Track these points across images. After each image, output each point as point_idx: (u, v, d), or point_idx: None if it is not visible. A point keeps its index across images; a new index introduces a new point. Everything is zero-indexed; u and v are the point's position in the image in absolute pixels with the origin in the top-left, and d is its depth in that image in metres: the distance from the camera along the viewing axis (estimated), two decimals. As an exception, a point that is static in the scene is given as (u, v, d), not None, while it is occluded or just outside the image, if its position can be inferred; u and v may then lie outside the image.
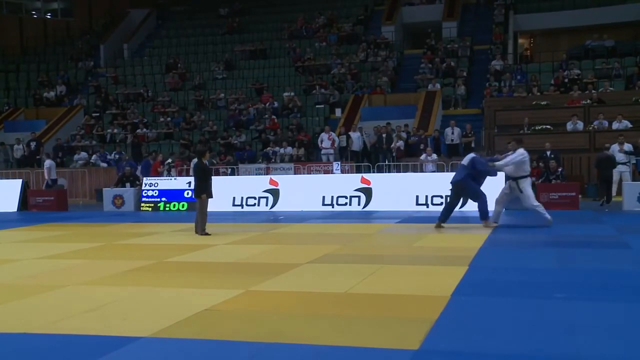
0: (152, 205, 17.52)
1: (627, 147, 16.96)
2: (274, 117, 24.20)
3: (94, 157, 23.14)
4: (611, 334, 4.54)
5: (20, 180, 19.15)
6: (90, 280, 7.02)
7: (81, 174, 21.38)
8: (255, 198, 16.76)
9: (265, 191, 16.77)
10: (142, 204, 17.64)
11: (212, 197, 11.39)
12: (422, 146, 19.85)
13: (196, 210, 11.35)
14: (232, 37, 31.42)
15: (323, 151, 20.93)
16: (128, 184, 18.38)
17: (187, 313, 5.31)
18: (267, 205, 16.65)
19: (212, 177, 11.73)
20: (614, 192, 16.75)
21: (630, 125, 19.05)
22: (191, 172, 19.34)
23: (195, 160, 19.63)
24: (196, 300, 5.79)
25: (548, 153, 17.55)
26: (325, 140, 20.95)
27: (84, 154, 23.47)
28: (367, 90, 25.12)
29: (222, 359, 4.22)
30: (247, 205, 16.78)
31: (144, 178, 18.41)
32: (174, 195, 17.47)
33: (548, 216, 11.30)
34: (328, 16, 30.74)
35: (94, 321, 5.20)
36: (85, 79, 30.55)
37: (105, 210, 17.64)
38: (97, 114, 26.98)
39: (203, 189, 11.20)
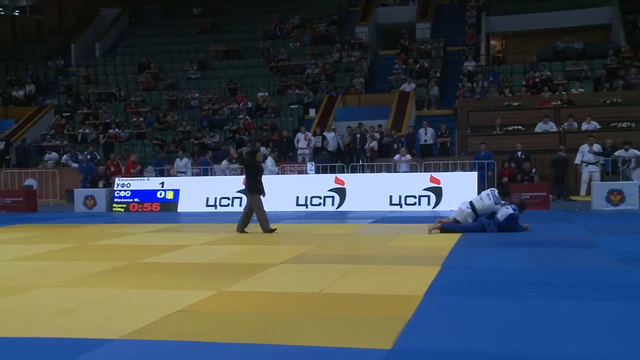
0: (125, 205, 17.36)
1: (597, 147, 17.29)
2: (247, 117, 24.13)
3: (64, 157, 22.85)
4: (580, 332, 4.63)
5: (-11, 180, 18.83)
6: (62, 282, 6.93)
7: (51, 174, 21.07)
8: (228, 198, 16.69)
9: (239, 191, 16.71)
10: (115, 205, 17.46)
11: (264, 194, 11.47)
12: (395, 146, 19.96)
13: (252, 208, 11.32)
14: (205, 37, 31.27)
15: (299, 151, 20.95)
16: (100, 184, 18.20)
17: (161, 314, 5.27)
18: (240, 205, 16.56)
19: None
20: (583, 192, 17.20)
21: (598, 127, 19.41)
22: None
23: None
24: (170, 301, 5.75)
25: (519, 153, 17.80)
26: (302, 141, 20.96)
27: (54, 154, 23.15)
28: (341, 91, 25.18)
29: (195, 361, 4.21)
30: (220, 205, 16.71)
31: (117, 178, 18.24)
32: (147, 195, 17.32)
33: None
34: (302, 16, 30.75)
35: (66, 324, 5.13)
36: (56, 78, 30.12)
37: (76, 211, 17.43)
38: (68, 114, 26.63)
39: (256, 186, 11.30)
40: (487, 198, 10.72)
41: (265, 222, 11.17)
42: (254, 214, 11.33)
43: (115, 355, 4.36)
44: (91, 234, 11.87)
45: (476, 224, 10.66)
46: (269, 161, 18.71)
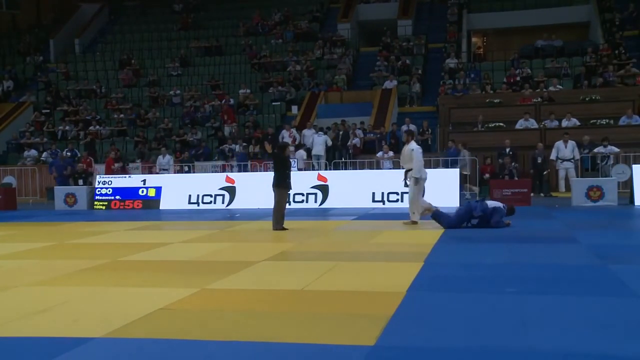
0: (106, 203, 17.21)
1: (571, 143, 17.49)
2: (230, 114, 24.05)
3: (44, 154, 22.59)
4: (562, 326, 4.67)
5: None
6: (42, 280, 6.85)
7: (31, 171, 20.83)
8: (211, 196, 16.64)
9: (221, 189, 16.67)
10: (96, 202, 17.31)
11: (290, 189, 11.53)
12: (384, 142, 19.93)
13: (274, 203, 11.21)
14: (187, 33, 31.07)
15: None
16: (80, 181, 18.04)
17: (142, 312, 5.24)
18: (223, 202, 16.55)
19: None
20: (562, 188, 17.38)
21: (578, 123, 19.63)
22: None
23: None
24: (151, 299, 5.71)
25: (507, 150, 17.94)
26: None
27: (33, 151, 22.88)
28: (324, 88, 25.17)
29: (177, 358, 4.19)
30: (203, 203, 16.65)
31: (98, 176, 18.08)
32: (129, 193, 17.20)
33: (415, 218, 11.37)
34: (284, 13, 30.68)
35: (45, 322, 5.08)
36: (35, 74, 29.74)
37: (56, 209, 17.25)
38: (48, 111, 26.33)
39: (282, 181, 11.19)
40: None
41: (279, 220, 11.08)
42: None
43: (96, 354, 4.32)
44: (71, 232, 11.76)
45: (464, 207, 11.22)
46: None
